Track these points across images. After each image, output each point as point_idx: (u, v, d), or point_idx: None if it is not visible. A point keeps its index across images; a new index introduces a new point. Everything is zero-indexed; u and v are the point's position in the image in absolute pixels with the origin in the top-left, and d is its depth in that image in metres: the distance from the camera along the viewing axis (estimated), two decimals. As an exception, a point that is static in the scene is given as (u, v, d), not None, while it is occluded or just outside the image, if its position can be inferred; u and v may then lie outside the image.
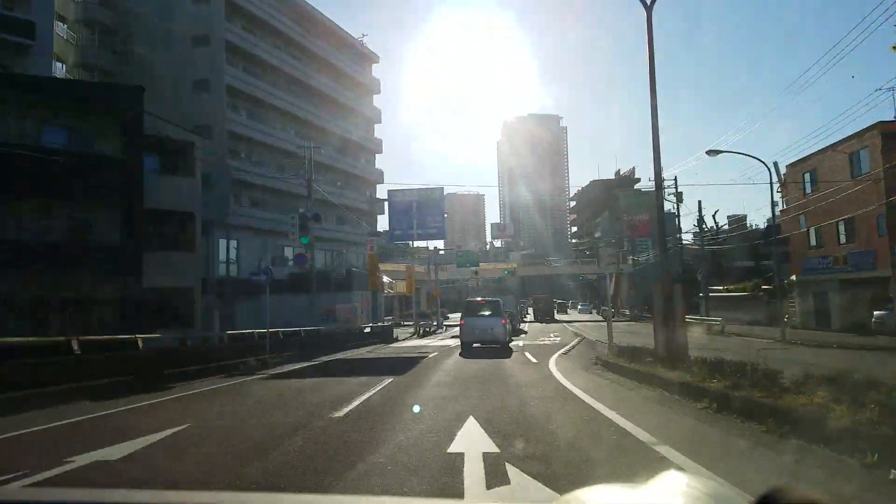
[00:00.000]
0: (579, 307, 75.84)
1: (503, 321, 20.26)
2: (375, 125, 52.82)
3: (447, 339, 28.85)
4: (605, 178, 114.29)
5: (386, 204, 32.71)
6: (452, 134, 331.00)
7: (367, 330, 28.97)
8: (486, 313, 20.42)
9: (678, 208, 49.94)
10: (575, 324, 48.87)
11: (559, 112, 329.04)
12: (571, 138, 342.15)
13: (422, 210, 33.63)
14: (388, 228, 31.29)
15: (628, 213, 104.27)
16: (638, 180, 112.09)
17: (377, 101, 55.17)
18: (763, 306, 36.60)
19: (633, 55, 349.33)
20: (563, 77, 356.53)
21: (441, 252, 49.57)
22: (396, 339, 29.52)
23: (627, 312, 57.44)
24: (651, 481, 0.91)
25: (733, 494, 0.92)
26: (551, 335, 31.53)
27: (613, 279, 69.32)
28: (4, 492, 1.26)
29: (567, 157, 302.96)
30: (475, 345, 19.99)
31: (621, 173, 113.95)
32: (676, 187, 50.08)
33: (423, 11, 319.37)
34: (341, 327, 26.23)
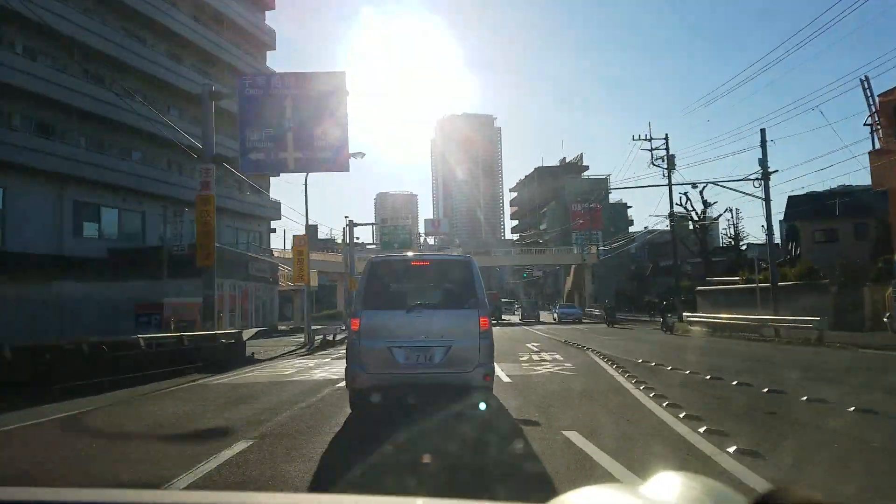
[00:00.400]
0: (558, 310, 46.53)
1: (483, 322, 6.56)
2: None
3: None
4: (550, 164, 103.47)
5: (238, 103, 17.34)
6: (384, 132, 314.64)
7: (233, 341, 14.67)
8: (431, 298, 7.09)
9: (670, 177, 38.02)
10: (536, 326, 36.07)
11: (494, 113, 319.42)
12: (506, 141, 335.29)
13: (305, 113, 15.24)
14: (240, 147, 16.06)
15: (577, 203, 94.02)
16: (586, 168, 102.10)
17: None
18: (827, 299, 24.89)
19: (563, 52, 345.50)
20: (497, 80, 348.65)
21: (370, 244, 36.41)
22: (253, 360, 15.48)
23: (598, 312, 45.34)
24: (647, 482, 0.86)
25: (732, 494, 0.85)
26: (533, 346, 18.47)
27: (572, 272, 57.52)
28: (4, 492, 1.16)
29: (501, 158, 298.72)
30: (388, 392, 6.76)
31: (567, 161, 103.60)
32: (668, 150, 38.24)
33: (349, 14, 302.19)
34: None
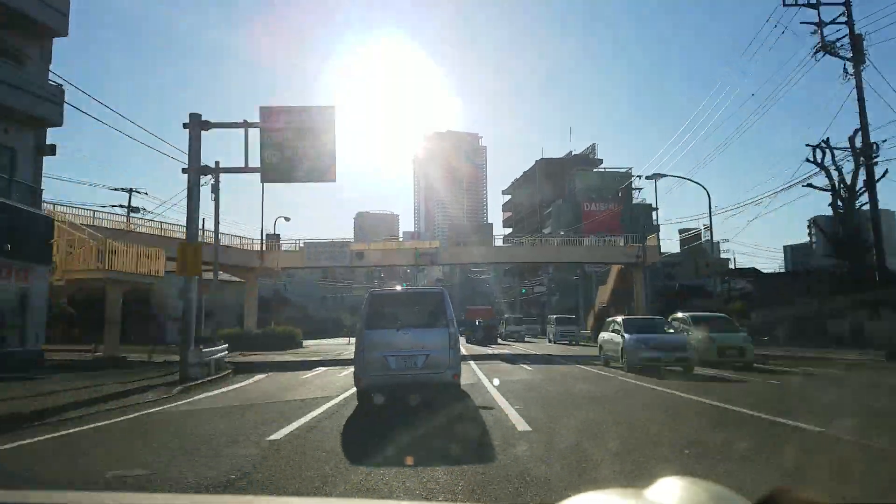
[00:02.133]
0: (556, 331, 37.66)
1: (451, 337, 9.12)
2: None
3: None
4: (555, 156, 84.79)
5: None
6: (366, 153, 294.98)
7: None
8: (415, 318, 9.60)
9: (857, 73, 18.96)
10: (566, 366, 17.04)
11: (480, 132, 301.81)
12: (494, 161, 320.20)
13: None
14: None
15: (589, 201, 75.65)
16: (600, 161, 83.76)
17: None
18: None
19: (555, 66, 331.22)
20: (481, 100, 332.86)
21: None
22: None
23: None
24: (649, 487, 0.88)
25: (735, 498, 0.85)
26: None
27: (613, 277, 38.24)
28: (5, 495, 1.26)
29: (486, 177, 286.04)
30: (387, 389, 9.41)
31: (575, 154, 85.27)
32: (851, 26, 19.22)
33: (333, 41, 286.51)
34: None
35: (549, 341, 37.68)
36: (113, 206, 32.08)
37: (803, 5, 20.11)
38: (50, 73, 18.08)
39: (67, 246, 18.71)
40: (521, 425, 7.18)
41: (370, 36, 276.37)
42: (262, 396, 11.13)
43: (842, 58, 19.67)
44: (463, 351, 13.49)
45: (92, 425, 7.94)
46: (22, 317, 16.42)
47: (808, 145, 24.56)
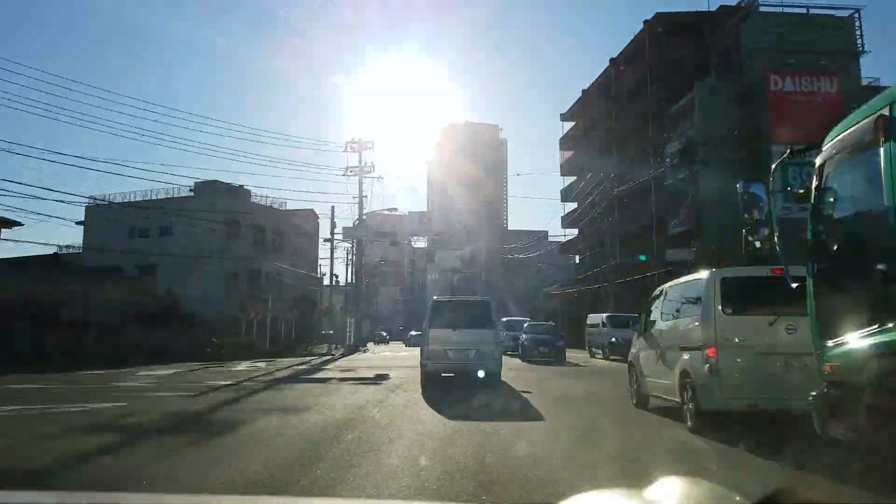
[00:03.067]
0: None
1: (496, 336, 13.54)
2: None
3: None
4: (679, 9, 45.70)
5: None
6: (383, 142, 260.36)
7: None
8: (468, 321, 13.41)
9: None
10: None
11: (500, 124, 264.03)
12: (511, 156, 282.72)
13: None
14: None
15: (779, 74, 36.65)
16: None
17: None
18: None
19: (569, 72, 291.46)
20: (504, 102, 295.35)
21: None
22: None
23: None
24: (650, 487, 0.86)
25: (734, 497, 0.85)
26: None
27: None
28: (4, 495, 1.24)
29: (506, 172, 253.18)
30: (444, 374, 13.42)
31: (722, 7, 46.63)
32: None
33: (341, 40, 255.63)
34: None
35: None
36: None
37: None
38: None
39: None
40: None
41: (380, 32, 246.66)
42: None
43: None
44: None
45: None
46: None
47: None
